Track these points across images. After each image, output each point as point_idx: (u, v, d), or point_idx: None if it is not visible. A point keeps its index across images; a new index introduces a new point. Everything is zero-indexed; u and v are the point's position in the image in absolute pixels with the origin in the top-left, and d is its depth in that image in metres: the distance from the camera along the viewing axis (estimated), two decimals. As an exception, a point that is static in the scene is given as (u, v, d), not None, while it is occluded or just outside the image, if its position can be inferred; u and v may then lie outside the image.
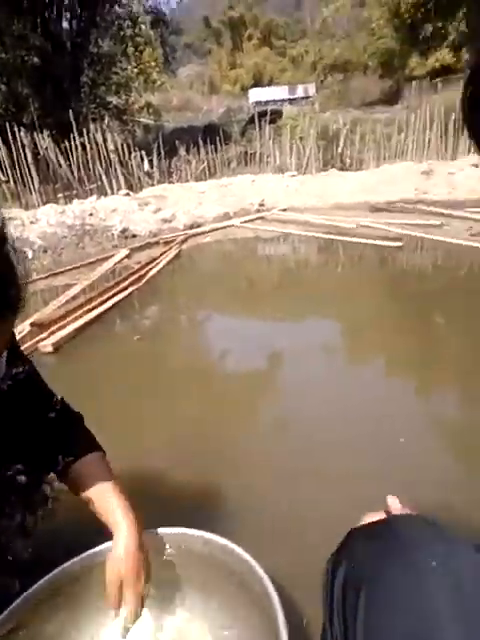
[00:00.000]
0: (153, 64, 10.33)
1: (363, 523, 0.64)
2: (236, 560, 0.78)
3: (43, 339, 2.54)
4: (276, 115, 10.48)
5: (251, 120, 10.35)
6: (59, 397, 1.00)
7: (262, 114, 8.91)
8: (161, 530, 0.87)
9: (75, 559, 0.84)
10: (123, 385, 2.20)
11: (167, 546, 0.86)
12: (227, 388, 2.17)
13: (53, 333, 2.63)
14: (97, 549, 0.85)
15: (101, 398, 2.07)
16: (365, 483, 1.38)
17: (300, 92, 19.07)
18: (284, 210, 5.69)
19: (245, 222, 5.39)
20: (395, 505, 0.67)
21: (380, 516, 0.66)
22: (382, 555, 0.51)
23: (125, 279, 3.60)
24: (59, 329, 2.69)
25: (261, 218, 5.57)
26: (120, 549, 0.79)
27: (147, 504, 1.27)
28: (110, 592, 0.78)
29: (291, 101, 16.38)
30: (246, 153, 8.17)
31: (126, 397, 2.08)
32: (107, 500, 0.86)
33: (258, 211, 5.84)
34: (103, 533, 0.83)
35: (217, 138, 7.78)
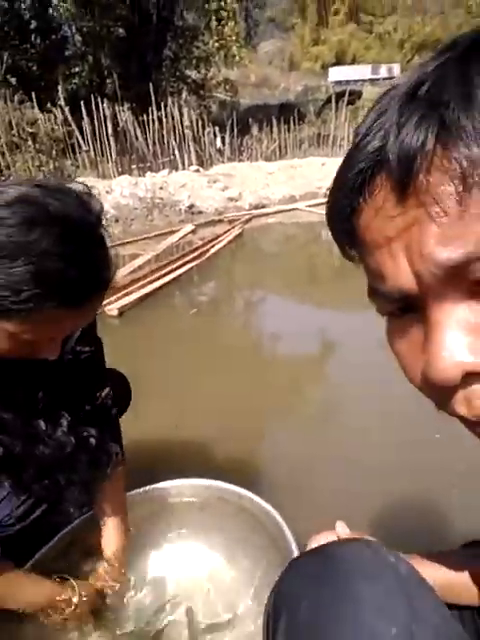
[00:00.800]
0: (234, 38, 10.27)
1: (306, 550, 0.61)
2: (263, 513, 0.87)
3: (110, 303, 2.72)
4: (355, 96, 10.14)
5: (328, 100, 10.06)
6: (106, 392, 1.01)
7: (340, 94, 8.66)
8: (201, 481, 0.97)
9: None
10: (176, 354, 2.33)
11: (206, 495, 0.97)
12: (276, 370, 2.24)
13: (119, 299, 2.81)
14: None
15: (155, 362, 2.22)
16: (394, 475, 1.42)
17: (383, 72, 18.18)
18: (352, 196, 5.58)
19: (311, 206, 5.35)
20: (344, 532, 0.64)
21: (326, 539, 0.64)
22: (316, 583, 0.48)
23: (188, 254, 3.73)
24: (124, 296, 2.87)
25: (328, 203, 5.51)
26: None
27: (184, 460, 1.39)
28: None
29: (373, 82, 15.69)
30: (319, 135, 8.00)
31: (178, 365, 2.21)
32: (107, 530, 0.96)
33: (325, 196, 5.76)
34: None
35: (291, 118, 7.68)
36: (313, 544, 0.64)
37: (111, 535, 0.96)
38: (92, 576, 0.93)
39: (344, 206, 0.31)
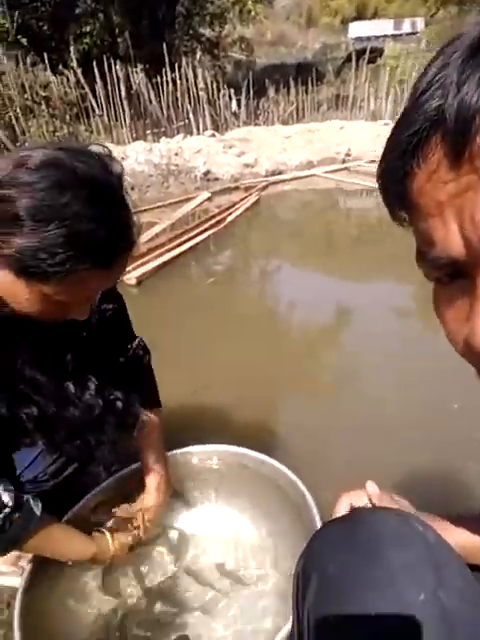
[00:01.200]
0: (250, -8, 9.80)
1: (334, 516, 0.63)
2: (282, 477, 0.91)
3: (128, 272, 2.74)
4: (376, 54, 9.68)
5: (348, 58, 9.64)
6: (137, 342, 1.06)
7: (361, 52, 8.29)
8: (224, 447, 1.01)
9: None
10: (193, 322, 2.36)
11: (229, 460, 1.01)
12: (292, 338, 2.26)
13: (137, 267, 2.83)
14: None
15: (172, 331, 2.26)
16: (411, 445, 1.45)
17: (406, 27, 17.23)
18: (372, 162, 5.43)
19: (328, 172, 5.23)
20: (374, 491, 0.64)
21: (357, 497, 0.66)
22: (347, 548, 0.49)
23: (204, 222, 3.71)
24: (142, 265, 2.88)
25: (345, 169, 5.37)
26: (149, 502, 1.00)
27: (201, 428, 1.43)
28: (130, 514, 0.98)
29: (395, 37, 14.92)
30: (338, 96, 7.71)
31: (194, 334, 2.24)
32: (150, 464, 1.03)
33: (343, 161, 5.62)
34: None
35: (309, 78, 7.39)
36: (343, 502, 0.66)
37: (152, 484, 1.02)
38: (128, 525, 0.98)
39: (397, 168, 0.30)
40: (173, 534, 1.05)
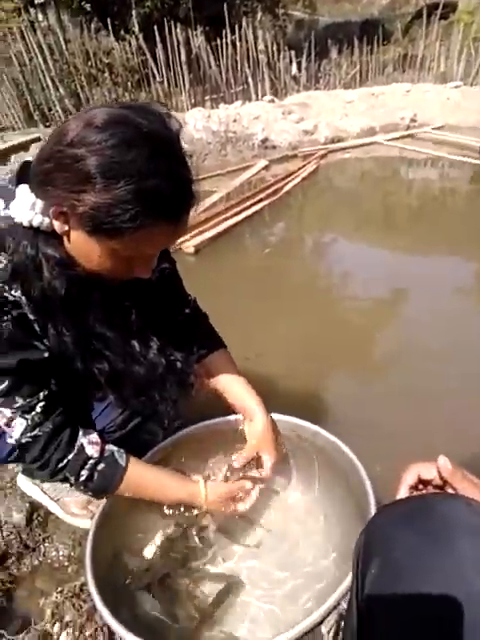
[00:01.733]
0: None
1: (396, 498, 0.62)
2: (337, 451, 0.96)
3: (186, 240, 2.82)
4: (449, 9, 8.91)
5: (418, 14, 8.95)
6: (192, 297, 1.14)
7: (433, 7, 7.67)
8: (276, 416, 1.07)
9: (199, 424, 1.13)
10: (249, 291, 2.41)
11: (280, 428, 1.07)
12: (345, 311, 2.26)
13: (194, 236, 2.90)
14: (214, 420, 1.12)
15: (228, 299, 2.32)
16: (466, 421, 1.45)
17: (488, -25, 15.63)
18: (439, 128, 5.13)
19: (391, 140, 5.00)
20: (446, 466, 0.62)
21: (427, 469, 0.64)
22: (414, 531, 0.49)
23: (262, 191, 3.70)
24: (200, 233, 2.95)
25: (410, 136, 5.11)
26: (259, 426, 1.02)
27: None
28: (248, 455, 1.03)
29: (474, -12, 13.59)
30: (405, 56, 7.22)
31: (250, 303, 2.29)
32: (240, 390, 1.08)
33: (408, 128, 5.33)
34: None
35: (375, 37, 6.97)
36: (412, 471, 0.66)
37: (256, 412, 1.04)
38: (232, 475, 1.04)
39: None
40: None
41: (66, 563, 1.14)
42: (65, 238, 0.76)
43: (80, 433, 0.89)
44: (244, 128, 4.95)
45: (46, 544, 1.18)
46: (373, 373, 1.80)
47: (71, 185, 0.68)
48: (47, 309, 0.80)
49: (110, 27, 5.91)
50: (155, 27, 5.69)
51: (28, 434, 0.85)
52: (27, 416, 0.84)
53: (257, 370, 1.76)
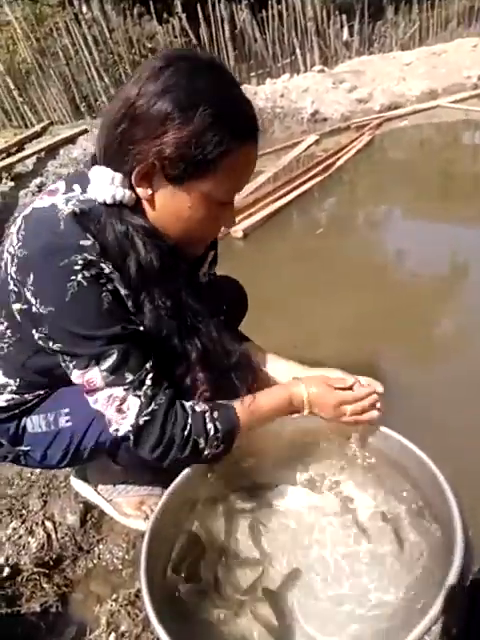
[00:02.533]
0: None
1: None
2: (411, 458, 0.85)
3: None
4: None
5: (485, -42, 8.10)
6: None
7: None
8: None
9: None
10: (300, 275, 2.30)
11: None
12: (401, 293, 2.10)
13: (242, 220, 2.81)
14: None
15: (279, 283, 2.22)
16: None
17: None
18: (510, 84, 4.65)
19: (454, 102, 4.58)
20: None
21: None
22: None
23: (312, 168, 3.52)
24: (248, 216, 2.85)
25: (477, 96, 4.66)
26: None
27: None
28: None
29: None
30: (472, 8, 6.57)
31: (301, 286, 2.19)
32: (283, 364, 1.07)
33: (475, 87, 4.87)
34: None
35: (436, -11, 6.39)
36: None
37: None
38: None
39: None
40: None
41: (120, 566, 1.13)
42: (148, 207, 0.77)
43: (185, 401, 0.85)
44: (292, 102, 4.74)
45: (100, 546, 1.17)
46: (434, 360, 1.66)
47: (151, 132, 0.70)
48: (143, 282, 0.78)
49: (153, 11, 5.84)
50: (198, 6, 5.54)
51: (144, 413, 0.79)
52: (139, 392, 0.79)
53: (307, 358, 1.67)
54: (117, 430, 0.81)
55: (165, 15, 6.00)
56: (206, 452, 0.83)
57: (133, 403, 0.79)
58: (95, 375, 0.77)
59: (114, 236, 0.74)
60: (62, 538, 1.18)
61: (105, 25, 5.39)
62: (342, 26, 6.23)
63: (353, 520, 0.95)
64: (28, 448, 0.96)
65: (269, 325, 1.79)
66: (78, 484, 1.26)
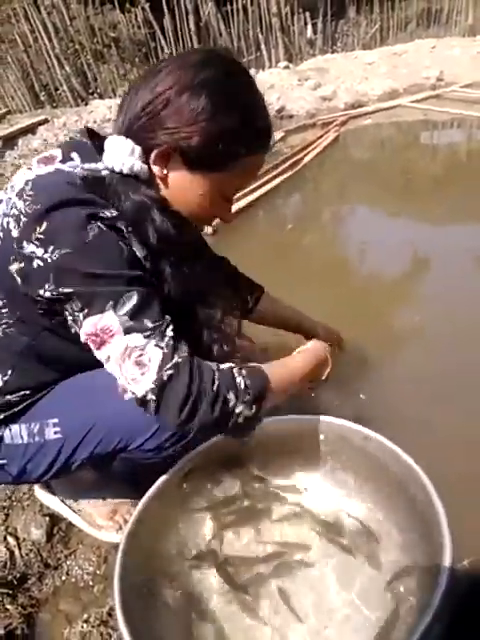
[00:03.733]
0: None
1: None
2: (390, 457, 0.84)
3: (202, 222, 2.68)
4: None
5: (442, -37, 8.32)
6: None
7: (459, -47, 7.10)
8: (323, 418, 0.95)
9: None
10: (271, 272, 2.27)
11: (327, 434, 0.95)
12: (369, 285, 2.13)
13: (211, 217, 2.76)
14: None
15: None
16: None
17: None
18: (468, 86, 4.78)
19: (415, 102, 4.68)
20: None
21: None
22: None
23: (278, 165, 3.50)
24: (216, 214, 2.80)
25: (436, 96, 4.77)
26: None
27: None
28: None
29: None
30: (429, 10, 6.75)
31: (271, 281, 2.15)
32: (301, 314, 1.32)
33: (434, 87, 4.99)
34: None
35: (396, -9, 6.52)
36: None
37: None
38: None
39: None
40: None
41: (91, 582, 1.07)
42: (161, 184, 0.80)
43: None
44: (259, 98, 4.71)
45: (69, 561, 1.10)
46: (401, 354, 1.67)
47: (184, 121, 0.73)
48: (163, 252, 0.79)
49: (115, 0, 5.67)
50: (161, -4, 5.43)
51: (168, 365, 0.70)
52: (161, 343, 0.71)
53: (276, 353, 1.65)
54: (134, 391, 0.71)
55: (128, 5, 5.85)
56: (238, 410, 0.74)
57: (155, 354, 0.70)
58: (112, 320, 0.69)
59: (131, 204, 0.75)
60: (26, 554, 1.10)
61: (65, 12, 5.19)
62: (306, 23, 6.25)
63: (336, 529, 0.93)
64: (3, 462, 0.87)
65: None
66: (43, 495, 1.18)
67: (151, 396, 0.71)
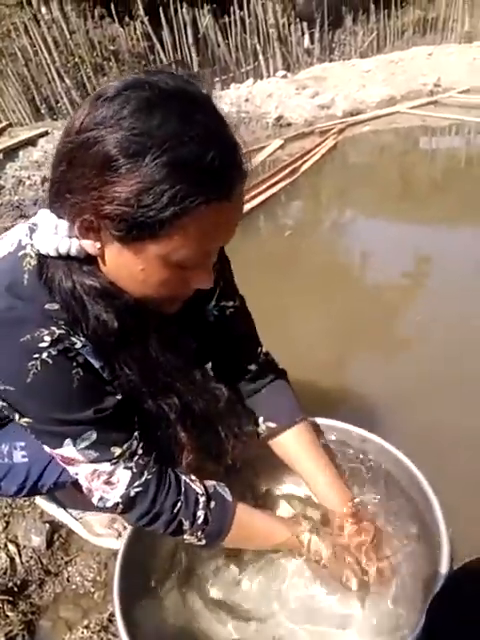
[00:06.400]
0: None
1: None
2: (388, 457, 0.84)
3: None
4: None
5: (437, -29, 8.41)
6: (264, 349, 0.94)
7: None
8: (321, 420, 0.95)
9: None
10: (269, 279, 2.29)
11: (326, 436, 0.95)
12: (369, 291, 2.14)
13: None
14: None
15: (250, 287, 2.19)
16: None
17: None
18: (465, 91, 4.81)
19: (413, 108, 4.71)
20: None
21: None
22: None
23: (278, 172, 3.53)
24: (216, 221, 2.82)
25: (434, 102, 4.81)
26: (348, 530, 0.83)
27: None
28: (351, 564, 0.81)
29: None
30: (425, 19, 6.81)
31: (267, 291, 2.17)
32: (323, 477, 0.87)
33: (431, 93, 5.02)
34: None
35: (392, 0, 6.58)
36: None
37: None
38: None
39: None
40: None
41: (92, 589, 1.07)
42: (100, 261, 0.63)
43: (177, 471, 0.78)
44: (257, 107, 4.76)
45: (69, 568, 1.11)
46: (401, 359, 1.68)
47: (90, 180, 0.54)
48: (105, 347, 0.67)
49: (114, 13, 5.75)
50: (160, 9, 5.50)
51: (136, 484, 0.72)
52: (130, 463, 0.71)
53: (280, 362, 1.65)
54: (103, 500, 0.73)
55: (127, 18, 5.93)
56: (185, 537, 0.77)
57: (123, 475, 0.71)
58: (74, 454, 0.68)
59: (63, 296, 0.62)
60: (27, 561, 1.11)
61: (65, 26, 5.27)
62: (303, 33, 6.32)
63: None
64: None
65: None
66: (44, 503, 1.19)
67: (119, 506, 0.74)
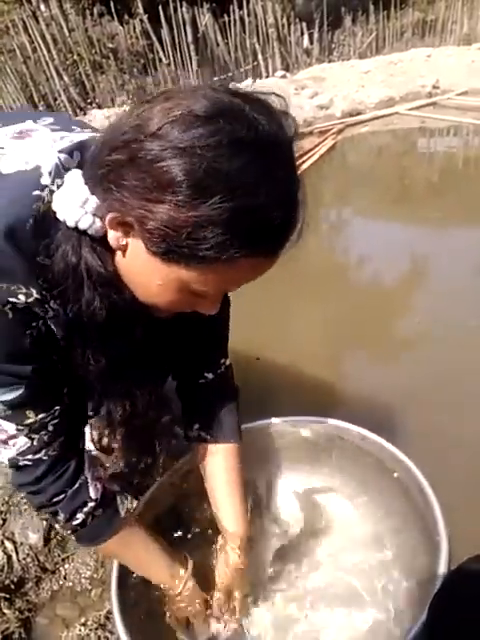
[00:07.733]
0: None
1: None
2: (388, 456, 0.84)
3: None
4: (471, -36, 8.37)
5: (436, -27, 8.44)
6: (227, 362, 0.93)
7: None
8: (318, 419, 0.95)
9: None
10: (267, 279, 2.28)
11: (322, 432, 0.95)
12: (367, 292, 2.15)
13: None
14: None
15: (247, 287, 2.20)
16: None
17: None
18: (463, 93, 4.82)
19: (411, 109, 4.73)
20: None
21: None
22: None
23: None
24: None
25: (432, 104, 4.82)
26: (233, 560, 0.87)
27: (270, 395, 1.36)
28: (222, 597, 0.88)
29: None
30: (425, 21, 6.83)
31: (269, 291, 2.17)
32: (228, 509, 0.89)
33: (430, 95, 5.03)
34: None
35: (391, 1, 6.60)
36: None
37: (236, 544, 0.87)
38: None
39: None
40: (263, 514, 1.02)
41: (89, 586, 1.07)
42: (120, 253, 0.60)
43: (86, 466, 0.77)
44: (256, 107, 4.76)
45: (66, 566, 1.11)
46: (398, 359, 1.68)
47: (146, 189, 0.51)
48: (80, 331, 0.65)
49: (113, 11, 5.74)
50: (160, 8, 5.49)
51: (28, 456, 0.71)
52: (34, 436, 0.70)
53: (271, 365, 1.65)
54: None
55: (126, 16, 5.92)
56: (57, 527, 0.80)
57: (21, 442, 0.70)
58: None
59: (63, 268, 0.59)
60: (24, 559, 1.10)
61: (64, 24, 5.25)
62: (302, 33, 6.32)
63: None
64: None
65: (233, 329, 1.77)
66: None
67: (5, 462, 0.73)
